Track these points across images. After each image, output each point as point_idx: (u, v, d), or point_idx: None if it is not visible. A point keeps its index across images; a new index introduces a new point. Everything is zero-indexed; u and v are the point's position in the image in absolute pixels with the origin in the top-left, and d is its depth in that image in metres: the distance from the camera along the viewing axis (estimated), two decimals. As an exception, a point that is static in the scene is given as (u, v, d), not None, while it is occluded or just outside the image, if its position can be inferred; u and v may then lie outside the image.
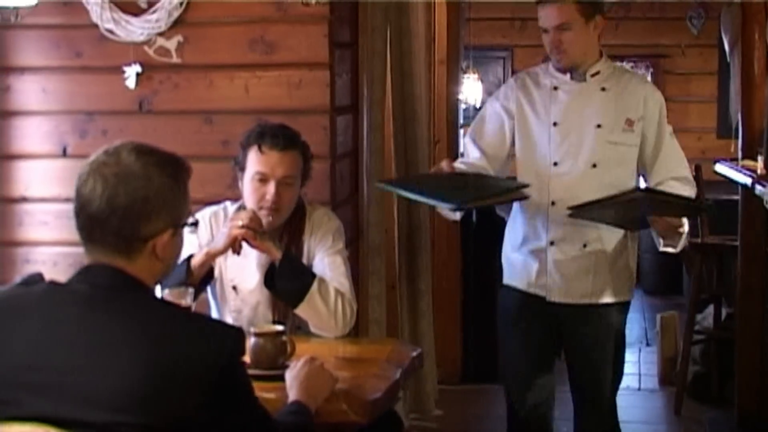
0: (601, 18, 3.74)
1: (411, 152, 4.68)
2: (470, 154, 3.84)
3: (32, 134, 4.15)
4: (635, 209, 3.62)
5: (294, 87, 3.95)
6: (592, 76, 3.78)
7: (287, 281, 3.29)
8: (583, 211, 3.59)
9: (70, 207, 4.02)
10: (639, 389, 6.40)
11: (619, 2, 8.83)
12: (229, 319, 3.45)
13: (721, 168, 5.40)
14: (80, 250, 3.99)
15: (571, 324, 3.83)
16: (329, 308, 3.31)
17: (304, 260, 3.46)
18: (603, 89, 3.76)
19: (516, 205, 3.85)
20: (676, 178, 3.76)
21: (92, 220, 2.07)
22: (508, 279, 3.93)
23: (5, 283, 3.45)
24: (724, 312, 6.01)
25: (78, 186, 2.09)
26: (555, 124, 3.75)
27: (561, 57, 3.72)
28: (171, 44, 4.01)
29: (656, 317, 6.74)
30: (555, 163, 3.73)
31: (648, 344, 7.47)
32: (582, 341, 3.85)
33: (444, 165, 3.60)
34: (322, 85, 3.93)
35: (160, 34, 4.01)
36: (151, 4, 3.98)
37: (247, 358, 2.82)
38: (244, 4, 3.96)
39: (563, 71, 3.78)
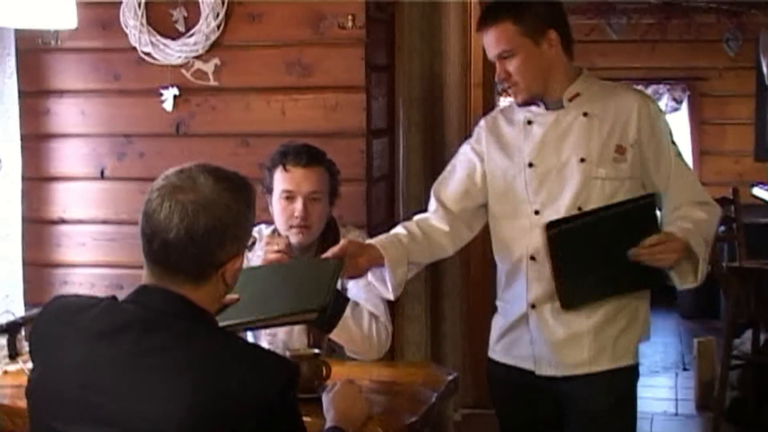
0: (555, 32, 3.06)
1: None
2: (428, 209, 3.27)
3: (71, 156, 4.18)
4: (612, 253, 3.01)
5: (330, 110, 3.96)
6: (571, 99, 3.11)
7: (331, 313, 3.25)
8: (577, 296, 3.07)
9: (107, 228, 4.09)
10: (676, 414, 6.34)
11: (655, 24, 8.81)
12: (264, 343, 3.45)
13: (758, 191, 5.37)
14: (118, 271, 4.06)
15: (568, 401, 3.17)
16: (363, 332, 3.30)
17: (339, 282, 3.46)
18: (585, 114, 3.09)
19: (497, 263, 3.29)
20: (694, 202, 3.13)
21: (169, 248, 2.02)
22: (491, 351, 3.35)
23: (44, 303, 3.47)
24: (762, 337, 5.95)
25: (150, 210, 2.04)
26: (530, 164, 3.11)
27: (514, 90, 3.12)
28: (208, 67, 4.04)
29: (693, 342, 6.68)
30: (536, 212, 3.10)
31: (685, 369, 7.41)
32: (583, 421, 3.16)
33: (336, 248, 2.97)
34: (359, 107, 3.94)
35: (198, 57, 4.03)
36: (188, 28, 4.01)
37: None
38: (280, 27, 3.98)
39: (524, 106, 3.17)
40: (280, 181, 3.41)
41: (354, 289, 3.42)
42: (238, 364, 1.97)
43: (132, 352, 1.97)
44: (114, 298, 2.12)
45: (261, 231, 3.59)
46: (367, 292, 3.40)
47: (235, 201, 2.08)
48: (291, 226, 3.39)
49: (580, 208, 3.04)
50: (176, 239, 2.01)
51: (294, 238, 3.38)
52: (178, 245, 2.01)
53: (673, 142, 3.17)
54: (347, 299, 3.32)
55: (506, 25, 3.04)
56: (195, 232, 2.01)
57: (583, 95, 3.11)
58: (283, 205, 3.41)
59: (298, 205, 3.37)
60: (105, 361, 1.97)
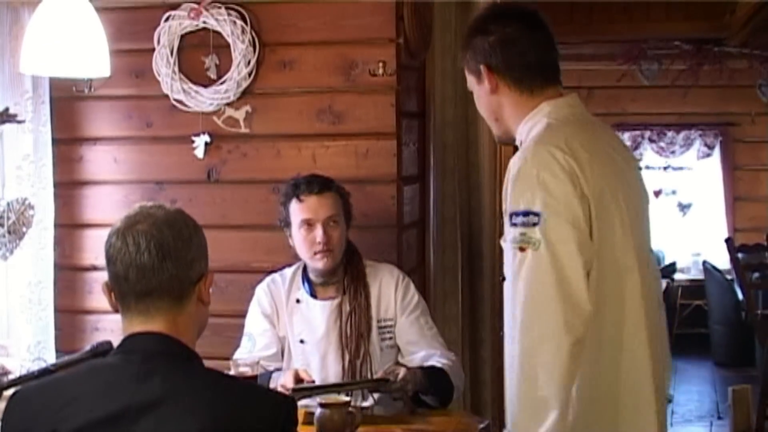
0: (487, 69, 2.65)
1: (475, 221, 4.65)
2: None
3: (103, 203, 4.20)
4: None
5: (361, 156, 3.96)
6: (522, 143, 2.65)
7: (438, 396, 3.34)
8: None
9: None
10: (711, 464, 6.27)
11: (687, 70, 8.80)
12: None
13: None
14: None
15: None
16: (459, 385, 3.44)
17: (373, 303, 3.53)
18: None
19: None
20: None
21: (146, 271, 2.04)
22: None
23: (75, 350, 3.47)
24: (799, 385, 5.88)
25: (114, 252, 2.06)
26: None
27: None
28: (239, 114, 4.06)
29: (728, 390, 6.60)
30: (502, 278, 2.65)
31: (720, 418, 7.32)
32: None
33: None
34: (390, 154, 3.94)
35: (229, 104, 4.06)
36: (220, 75, 4.04)
37: (314, 430, 2.82)
38: (311, 75, 4.00)
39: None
40: (297, 212, 3.48)
41: (416, 325, 3.52)
42: (238, 403, 1.98)
43: (132, 403, 1.95)
44: (110, 344, 2.12)
45: (283, 274, 3.64)
46: (430, 330, 3.56)
47: (187, 219, 2.12)
48: (315, 253, 3.46)
49: (503, 278, 2.55)
50: (150, 259, 2.03)
51: (319, 264, 3.47)
52: (155, 264, 2.03)
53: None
54: (444, 372, 3.35)
55: (462, 64, 2.79)
56: (166, 245, 2.04)
57: (526, 139, 2.62)
58: (303, 235, 3.47)
59: (318, 231, 3.44)
60: (112, 418, 1.95)
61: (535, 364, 2.33)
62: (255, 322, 3.59)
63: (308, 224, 3.46)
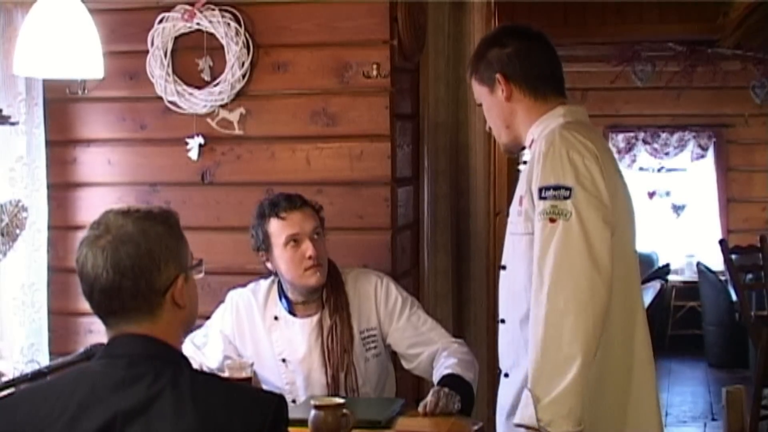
0: (502, 76, 2.83)
1: (470, 223, 4.65)
2: None
3: (97, 205, 4.19)
4: None
5: (355, 159, 3.96)
6: (530, 146, 2.82)
7: (469, 402, 3.27)
8: None
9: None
10: (705, 465, 6.27)
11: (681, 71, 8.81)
12: (284, 386, 3.44)
13: (787, 239, 5.32)
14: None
15: None
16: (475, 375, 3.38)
17: (354, 313, 3.46)
18: (524, 163, 2.84)
19: None
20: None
21: (106, 293, 2.03)
22: None
23: (69, 353, 3.47)
24: (792, 386, 5.88)
25: (79, 268, 2.07)
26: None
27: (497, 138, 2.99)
28: (233, 116, 4.06)
29: (722, 391, 6.61)
30: (503, 267, 2.90)
31: (714, 419, 7.33)
32: None
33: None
34: (383, 156, 3.94)
35: (223, 106, 4.05)
36: (214, 77, 4.03)
37: (308, 431, 2.82)
38: (305, 77, 3.99)
39: (508, 154, 3.09)
40: (280, 230, 3.39)
41: (410, 327, 3.47)
42: (227, 403, 1.98)
43: (119, 407, 1.95)
44: (90, 355, 2.12)
45: (255, 289, 3.57)
46: (427, 323, 3.49)
47: (150, 225, 2.08)
48: (306, 269, 3.38)
49: (503, 267, 2.85)
50: (108, 281, 2.02)
51: (311, 280, 3.39)
52: (113, 286, 2.02)
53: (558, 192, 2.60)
54: (460, 377, 3.30)
55: (472, 76, 2.95)
56: (122, 266, 2.02)
57: (535, 141, 2.77)
58: (291, 253, 3.39)
59: (308, 245, 3.37)
60: (98, 428, 1.95)
61: (561, 326, 2.49)
62: (213, 333, 3.54)
63: (295, 240, 3.38)
